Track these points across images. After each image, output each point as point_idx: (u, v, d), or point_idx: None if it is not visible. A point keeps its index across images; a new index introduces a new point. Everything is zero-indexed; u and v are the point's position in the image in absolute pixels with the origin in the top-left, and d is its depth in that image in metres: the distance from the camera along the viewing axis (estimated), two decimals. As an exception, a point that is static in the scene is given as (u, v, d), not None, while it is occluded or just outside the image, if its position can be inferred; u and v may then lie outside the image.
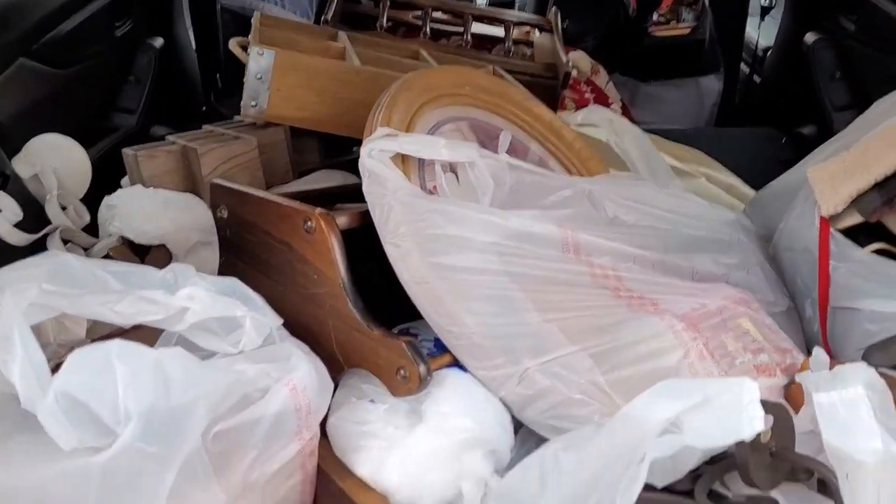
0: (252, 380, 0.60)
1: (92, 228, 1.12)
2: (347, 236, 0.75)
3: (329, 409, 0.70)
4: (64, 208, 1.16)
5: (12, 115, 1.16)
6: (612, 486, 0.51)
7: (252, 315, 0.66)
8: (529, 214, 0.76)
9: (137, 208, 0.95)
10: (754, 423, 0.47)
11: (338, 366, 0.74)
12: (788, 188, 0.94)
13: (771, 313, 0.82)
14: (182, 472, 0.56)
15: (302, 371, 0.63)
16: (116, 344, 0.56)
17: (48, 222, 1.09)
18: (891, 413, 0.56)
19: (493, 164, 0.80)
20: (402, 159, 0.78)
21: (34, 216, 1.11)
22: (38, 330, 0.73)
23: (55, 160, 1.16)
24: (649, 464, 0.48)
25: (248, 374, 0.60)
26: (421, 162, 0.80)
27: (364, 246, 0.75)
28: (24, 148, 1.15)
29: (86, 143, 1.23)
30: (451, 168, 0.81)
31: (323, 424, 0.70)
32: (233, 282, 0.70)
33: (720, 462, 0.68)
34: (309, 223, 0.74)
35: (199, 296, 0.62)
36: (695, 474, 0.66)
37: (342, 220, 0.76)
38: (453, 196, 0.79)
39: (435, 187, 0.80)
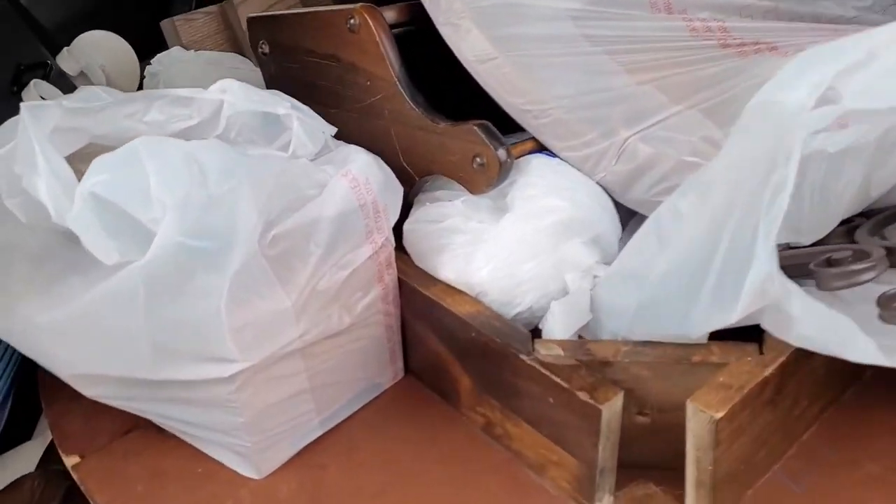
0: (304, 171, 0.52)
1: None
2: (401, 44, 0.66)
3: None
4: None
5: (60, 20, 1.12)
6: (751, 205, 0.40)
7: (300, 116, 0.57)
8: (606, -29, 0.64)
9: (180, 70, 0.88)
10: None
11: (409, 178, 0.66)
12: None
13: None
14: (239, 275, 0.48)
15: (360, 162, 0.55)
16: (142, 140, 0.49)
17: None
18: None
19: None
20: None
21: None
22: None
23: (102, 57, 1.12)
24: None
25: (298, 165, 0.52)
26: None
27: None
28: (71, 45, 1.11)
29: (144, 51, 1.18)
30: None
31: (399, 237, 0.62)
32: (277, 92, 0.61)
33: (880, 215, 0.56)
34: (352, 21, 0.64)
35: (233, 88, 0.54)
36: (850, 226, 0.55)
37: (389, 15, 0.66)
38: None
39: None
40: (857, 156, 0.45)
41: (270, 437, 0.57)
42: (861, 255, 0.44)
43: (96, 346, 0.51)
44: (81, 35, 1.11)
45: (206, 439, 0.58)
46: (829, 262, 0.45)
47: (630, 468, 0.54)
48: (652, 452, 0.53)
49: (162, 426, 0.60)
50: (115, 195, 0.47)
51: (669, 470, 0.51)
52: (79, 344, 0.52)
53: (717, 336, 0.51)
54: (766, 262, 0.40)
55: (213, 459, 0.59)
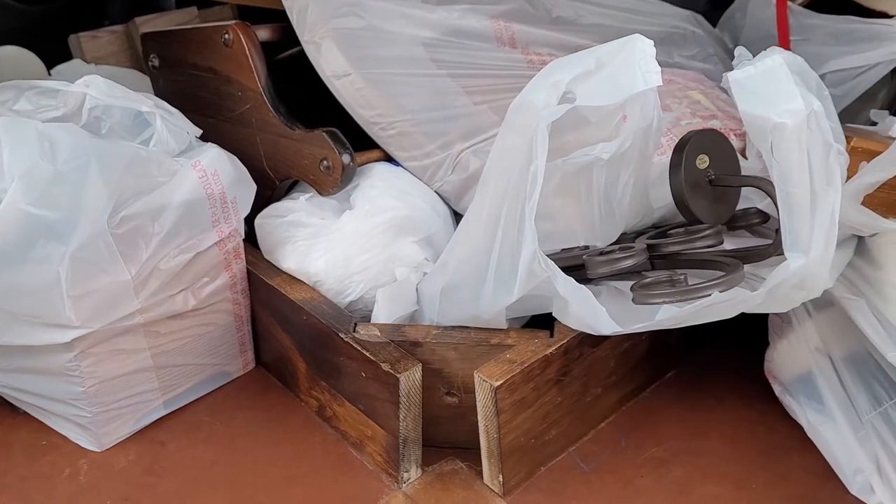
0: (156, 159, 0.57)
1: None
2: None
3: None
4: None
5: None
6: (518, 191, 0.47)
7: (163, 114, 0.63)
8: (458, 7, 0.72)
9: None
10: (649, 77, 0.43)
11: (270, 182, 0.71)
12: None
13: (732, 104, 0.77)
14: (84, 248, 0.53)
15: (210, 155, 0.60)
16: (1, 118, 0.54)
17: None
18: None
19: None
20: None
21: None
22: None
23: (14, 73, 1.15)
24: (546, 141, 0.43)
25: (150, 152, 0.57)
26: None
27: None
28: (-20, 60, 1.15)
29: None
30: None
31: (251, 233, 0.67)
32: (147, 95, 0.67)
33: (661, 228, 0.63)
34: (226, 36, 0.70)
35: (97, 83, 0.59)
36: (638, 233, 0.62)
37: (262, 33, 0.72)
38: None
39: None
40: (627, 162, 0.52)
41: (112, 411, 0.60)
42: (625, 249, 0.52)
43: (-59, 309, 0.55)
44: (-8, 50, 1.15)
45: (51, 411, 0.61)
46: (601, 254, 0.52)
47: (442, 447, 0.59)
48: (460, 432, 0.58)
49: (10, 399, 0.63)
50: (-32, 166, 0.51)
51: (477, 449, 0.56)
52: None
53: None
54: (531, 242, 0.47)
55: (59, 434, 0.62)
